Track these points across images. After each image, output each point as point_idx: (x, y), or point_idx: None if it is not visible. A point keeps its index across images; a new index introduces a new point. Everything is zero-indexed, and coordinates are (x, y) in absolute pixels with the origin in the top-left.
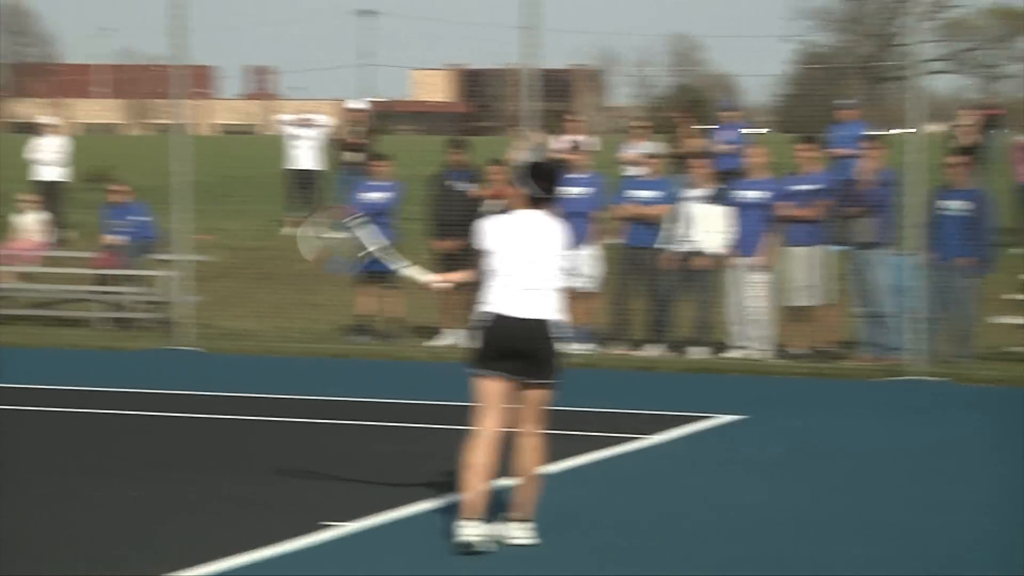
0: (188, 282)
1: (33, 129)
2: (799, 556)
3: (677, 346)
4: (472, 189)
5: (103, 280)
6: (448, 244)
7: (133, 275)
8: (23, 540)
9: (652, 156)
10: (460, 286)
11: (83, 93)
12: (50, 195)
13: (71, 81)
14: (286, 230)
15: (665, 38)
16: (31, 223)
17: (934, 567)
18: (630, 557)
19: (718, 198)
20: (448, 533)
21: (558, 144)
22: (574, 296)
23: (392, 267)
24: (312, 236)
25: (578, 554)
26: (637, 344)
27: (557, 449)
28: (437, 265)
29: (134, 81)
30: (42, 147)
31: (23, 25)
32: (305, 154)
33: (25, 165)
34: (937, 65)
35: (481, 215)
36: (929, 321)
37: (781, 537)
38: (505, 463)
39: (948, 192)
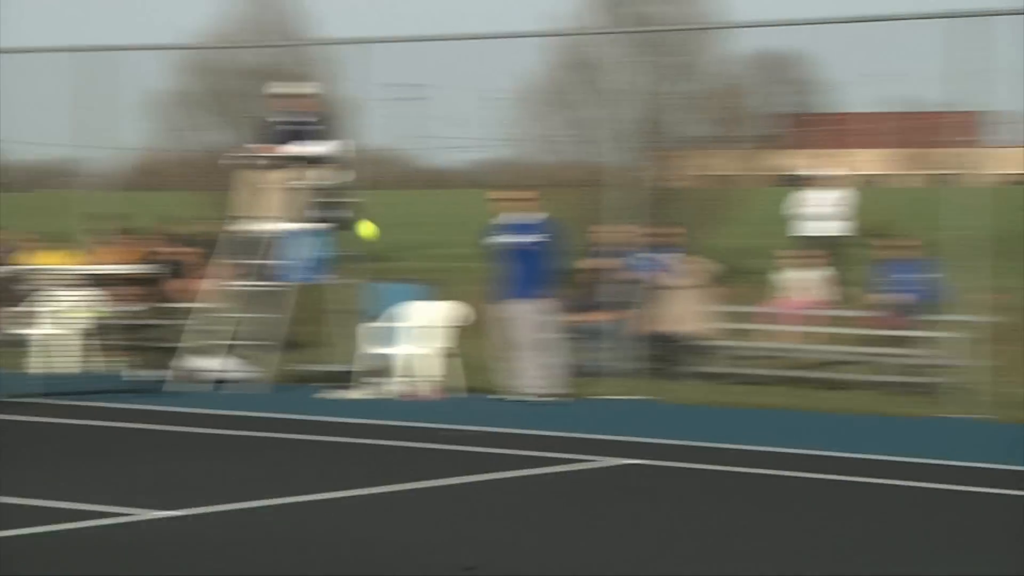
0: (979, 345)
1: (800, 181)
2: None
3: None
4: None
5: (891, 340)
6: None
7: (915, 336)
8: None
9: None
10: None
11: (860, 143)
12: (830, 250)
13: (845, 131)
14: None
15: None
16: (810, 280)
17: None
18: None
19: None
20: None
21: None
22: None
23: None
24: None
25: None
26: None
27: None
28: None
29: (911, 130)
30: (811, 200)
31: (796, 73)
32: None
33: (782, 220)
34: None
35: None
36: None
37: None
38: None
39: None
